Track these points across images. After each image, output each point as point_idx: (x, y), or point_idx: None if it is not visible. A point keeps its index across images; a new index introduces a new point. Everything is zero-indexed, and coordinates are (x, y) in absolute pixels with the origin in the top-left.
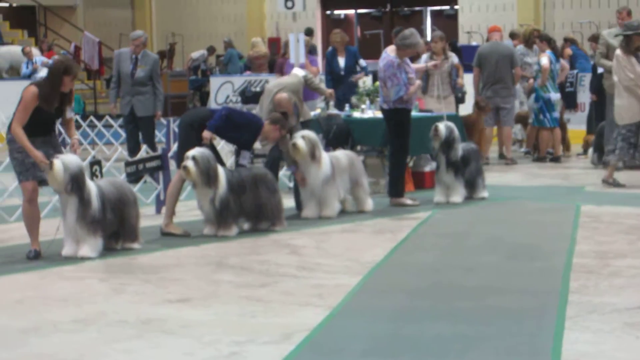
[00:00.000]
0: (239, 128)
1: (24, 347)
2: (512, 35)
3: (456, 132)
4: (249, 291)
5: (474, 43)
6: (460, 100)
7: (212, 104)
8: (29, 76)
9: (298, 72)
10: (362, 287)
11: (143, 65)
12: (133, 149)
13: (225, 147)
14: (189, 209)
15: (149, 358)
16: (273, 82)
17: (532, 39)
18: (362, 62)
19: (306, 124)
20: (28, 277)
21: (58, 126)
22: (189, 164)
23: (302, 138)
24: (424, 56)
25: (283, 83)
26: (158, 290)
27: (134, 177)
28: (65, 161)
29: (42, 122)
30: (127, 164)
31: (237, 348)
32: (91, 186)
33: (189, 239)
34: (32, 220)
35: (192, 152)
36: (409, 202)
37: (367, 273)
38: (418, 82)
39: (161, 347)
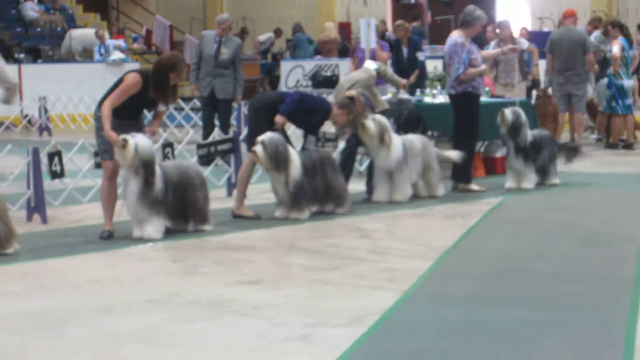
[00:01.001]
0: (309, 112)
1: (99, 326)
2: (593, 21)
3: (523, 117)
4: (320, 274)
5: (545, 29)
6: (534, 87)
7: (283, 88)
8: (101, 59)
9: (370, 66)
10: (433, 272)
11: (227, 48)
12: (208, 132)
13: (295, 131)
14: (260, 192)
15: (222, 338)
16: (346, 77)
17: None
18: (420, 55)
19: (382, 114)
20: (102, 258)
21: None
22: (258, 149)
23: (372, 120)
24: (492, 43)
25: (354, 79)
26: (230, 271)
27: (206, 160)
28: (139, 142)
29: (134, 107)
30: (199, 146)
31: (308, 330)
32: (157, 168)
33: (260, 221)
34: (108, 199)
35: (261, 137)
36: (475, 187)
37: (438, 258)
38: (483, 66)
39: (233, 328)
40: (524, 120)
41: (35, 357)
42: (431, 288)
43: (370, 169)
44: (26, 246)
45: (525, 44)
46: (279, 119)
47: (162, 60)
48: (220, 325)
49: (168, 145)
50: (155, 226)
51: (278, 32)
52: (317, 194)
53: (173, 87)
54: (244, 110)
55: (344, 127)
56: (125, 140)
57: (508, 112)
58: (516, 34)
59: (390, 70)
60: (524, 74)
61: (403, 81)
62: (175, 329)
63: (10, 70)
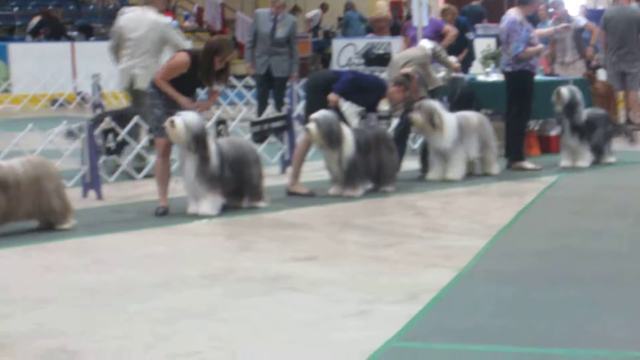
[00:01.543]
0: (364, 90)
1: (155, 301)
2: None
3: (579, 95)
4: (375, 251)
5: (599, 7)
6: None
7: (334, 66)
8: None
9: (426, 45)
10: (489, 250)
11: (282, 26)
12: (262, 109)
13: (349, 109)
14: (314, 169)
15: (278, 314)
16: (400, 54)
17: None
18: (470, 35)
19: (435, 92)
20: (157, 233)
21: None
22: (311, 126)
23: (418, 109)
24: (549, 22)
25: (409, 56)
26: (284, 248)
27: (259, 137)
28: (187, 119)
29: (185, 86)
30: (253, 123)
31: (364, 307)
32: (211, 144)
33: (314, 198)
34: (163, 176)
35: (315, 115)
36: (529, 166)
37: (494, 236)
38: (540, 45)
39: (289, 304)
40: (580, 99)
41: (93, 331)
42: (487, 266)
43: (424, 146)
44: (82, 222)
45: (582, 21)
46: (332, 97)
47: (209, 44)
48: (275, 301)
49: (221, 122)
50: (211, 202)
51: (324, 7)
52: (370, 171)
53: (224, 70)
54: (297, 88)
55: (398, 105)
56: (173, 121)
57: (564, 90)
58: (574, 12)
59: (444, 52)
60: (582, 52)
61: (456, 64)
62: (230, 305)
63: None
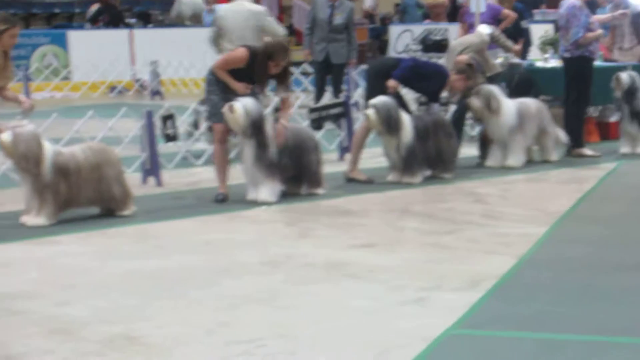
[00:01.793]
0: (425, 78)
1: (216, 287)
2: None
3: (638, 81)
4: (434, 238)
5: None
6: None
7: (392, 53)
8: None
9: (483, 30)
10: (548, 237)
11: (340, 12)
12: (320, 96)
13: (408, 94)
14: (373, 156)
15: (337, 301)
16: (458, 40)
17: None
18: (525, 22)
19: (493, 78)
20: (216, 220)
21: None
22: (370, 112)
23: (476, 94)
24: (608, 7)
25: (466, 42)
26: (343, 234)
27: (317, 124)
28: (246, 105)
29: (239, 80)
30: (311, 110)
31: (424, 294)
32: (269, 130)
33: (372, 185)
34: (221, 162)
35: (374, 101)
36: (589, 152)
37: (553, 223)
38: (600, 31)
39: (348, 291)
40: (639, 84)
41: (154, 317)
42: (547, 253)
43: (483, 133)
44: (142, 208)
45: (639, 7)
46: (391, 82)
47: (264, 47)
48: (335, 288)
49: (279, 109)
50: (269, 189)
51: None
52: (429, 158)
53: (283, 75)
54: (355, 74)
55: (458, 92)
56: (232, 106)
57: (623, 76)
58: None
59: (503, 36)
60: (638, 37)
61: (515, 47)
62: (290, 291)
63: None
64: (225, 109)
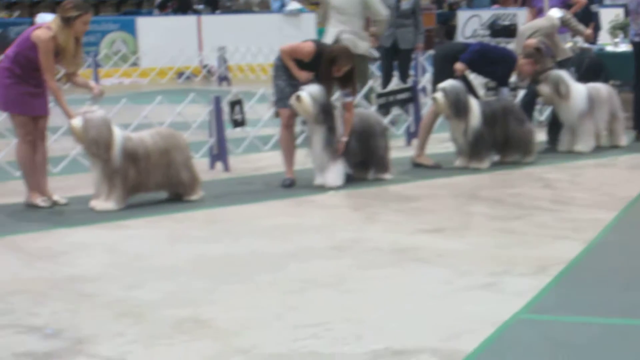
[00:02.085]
0: (492, 62)
1: (284, 271)
2: None
3: None
4: (503, 223)
5: None
6: None
7: (459, 38)
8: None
9: (554, 14)
10: (618, 222)
11: None
12: (388, 81)
13: (476, 79)
14: (440, 141)
15: (406, 285)
16: (527, 24)
17: None
18: (595, 7)
19: (563, 63)
20: (284, 205)
21: None
22: (438, 95)
23: (545, 80)
24: None
25: (536, 26)
26: (411, 219)
27: (385, 109)
28: (312, 92)
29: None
30: (379, 95)
31: (493, 279)
32: (337, 115)
33: (440, 170)
34: (288, 147)
35: (442, 84)
36: None
37: (623, 208)
38: None
39: (417, 275)
40: None
41: (222, 300)
42: (617, 238)
43: (552, 118)
44: (210, 193)
45: None
46: (458, 66)
47: (329, 51)
48: (403, 273)
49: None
50: (335, 173)
51: None
52: (497, 143)
53: (348, 79)
54: (423, 59)
55: (526, 77)
56: (298, 96)
57: None
58: None
59: (575, 20)
60: None
61: (587, 31)
62: (358, 275)
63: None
64: (292, 100)
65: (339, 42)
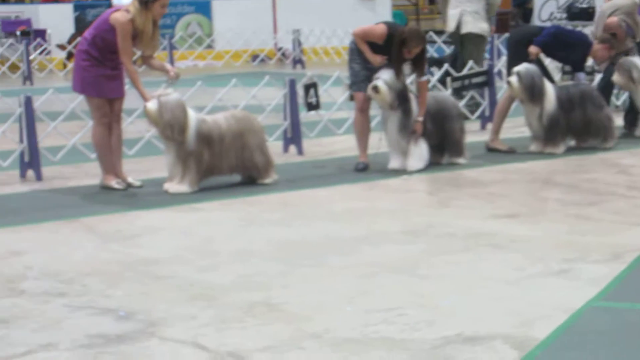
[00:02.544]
0: (567, 47)
1: (357, 255)
2: None
3: None
4: (577, 209)
5: None
6: None
7: (536, 21)
8: None
9: None
10: None
11: None
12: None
13: (551, 63)
14: (514, 126)
15: (479, 271)
16: (608, 3)
17: None
18: None
19: None
20: (357, 189)
21: None
22: (513, 79)
23: (618, 69)
24: None
25: (617, 4)
26: (485, 205)
27: (460, 93)
28: (387, 80)
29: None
30: (454, 79)
31: (567, 265)
32: (412, 99)
33: (514, 155)
34: (362, 131)
35: (517, 68)
36: None
37: None
38: None
39: (490, 261)
40: None
41: (296, 284)
42: None
43: (629, 103)
44: (284, 176)
45: None
46: (533, 49)
47: (400, 33)
48: (476, 258)
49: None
50: (417, 156)
51: None
52: (573, 128)
53: (418, 61)
54: (498, 43)
55: (603, 61)
56: (375, 86)
57: None
58: None
59: None
60: None
61: None
62: (431, 260)
63: None
64: (369, 91)
65: (460, 24)
